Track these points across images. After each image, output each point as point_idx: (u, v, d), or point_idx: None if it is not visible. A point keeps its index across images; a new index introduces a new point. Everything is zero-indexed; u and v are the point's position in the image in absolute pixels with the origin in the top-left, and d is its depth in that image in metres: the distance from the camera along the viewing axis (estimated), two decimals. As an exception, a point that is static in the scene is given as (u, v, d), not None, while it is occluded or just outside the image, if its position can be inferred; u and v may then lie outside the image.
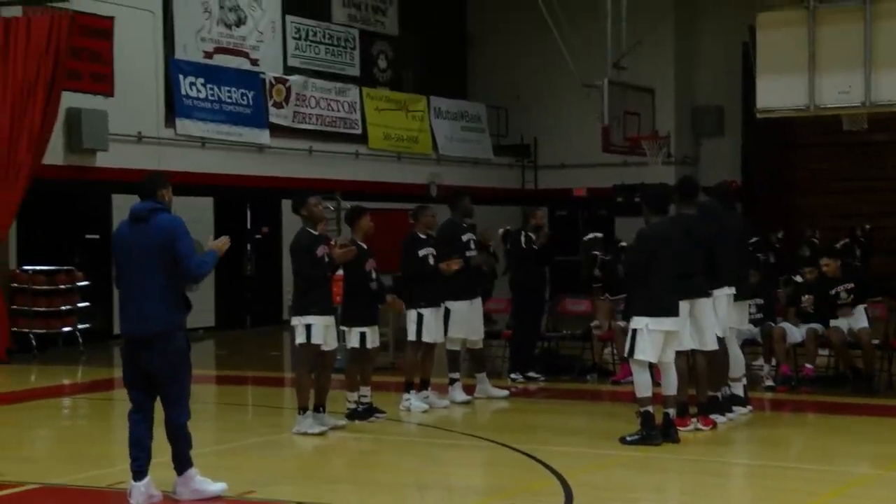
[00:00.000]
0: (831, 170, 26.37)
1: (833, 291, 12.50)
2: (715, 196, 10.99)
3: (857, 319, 12.30)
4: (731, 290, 10.27)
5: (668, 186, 10.51)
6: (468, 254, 11.81)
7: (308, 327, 9.86)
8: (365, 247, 10.67)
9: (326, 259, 10.01)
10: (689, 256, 9.70)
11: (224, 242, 7.51)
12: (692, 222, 10.02)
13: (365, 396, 10.80)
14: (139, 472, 7.37)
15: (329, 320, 10.01)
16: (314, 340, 9.89)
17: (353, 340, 10.58)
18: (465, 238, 11.91)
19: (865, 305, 12.40)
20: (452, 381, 11.81)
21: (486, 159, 27.71)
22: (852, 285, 12.47)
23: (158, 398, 7.41)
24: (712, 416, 10.18)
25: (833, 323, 12.35)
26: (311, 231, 10.06)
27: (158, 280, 7.24)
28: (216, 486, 7.50)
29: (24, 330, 17.06)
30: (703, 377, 10.08)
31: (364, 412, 10.67)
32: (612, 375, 13.44)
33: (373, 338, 10.61)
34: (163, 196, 7.48)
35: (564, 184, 28.16)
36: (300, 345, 9.96)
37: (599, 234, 15.37)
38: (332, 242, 10.24)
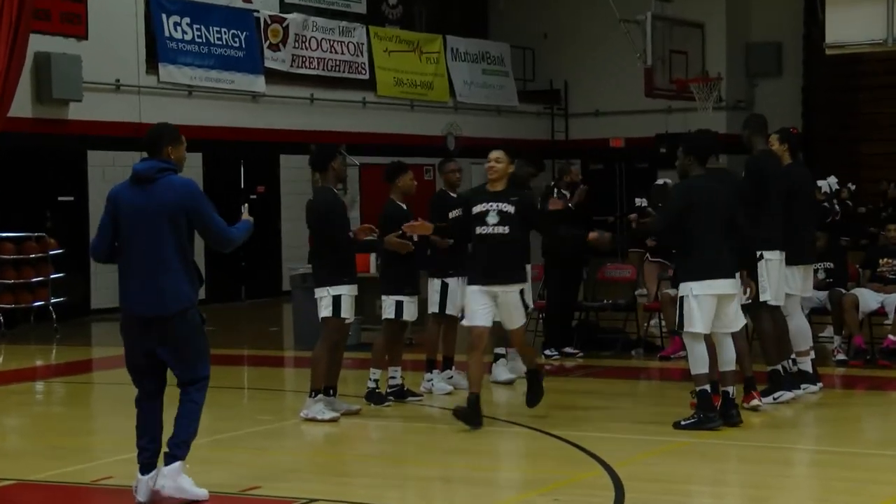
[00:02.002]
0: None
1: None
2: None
3: None
4: (779, 255, 10.15)
5: (713, 133, 10.32)
6: None
7: (337, 298, 9.80)
8: (404, 207, 10.61)
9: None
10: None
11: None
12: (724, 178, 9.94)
13: (394, 378, 10.76)
14: (148, 464, 7.29)
15: (355, 290, 9.99)
16: (343, 314, 9.84)
17: (388, 310, 10.52)
18: None
19: None
20: (497, 358, 11.73)
21: (511, 107, 27.55)
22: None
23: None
24: (775, 395, 10.14)
25: None
26: (335, 190, 10.02)
27: (171, 251, 7.14)
28: (199, 491, 7.35)
29: (-9, 305, 17.03)
30: (743, 351, 9.98)
31: (389, 395, 10.61)
32: (660, 350, 13.34)
33: (410, 309, 10.57)
34: (169, 154, 7.32)
35: (599, 134, 28.02)
36: (324, 318, 9.90)
37: (669, 181, 15.26)
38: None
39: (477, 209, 9.53)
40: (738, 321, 9.49)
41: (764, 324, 10.25)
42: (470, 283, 9.60)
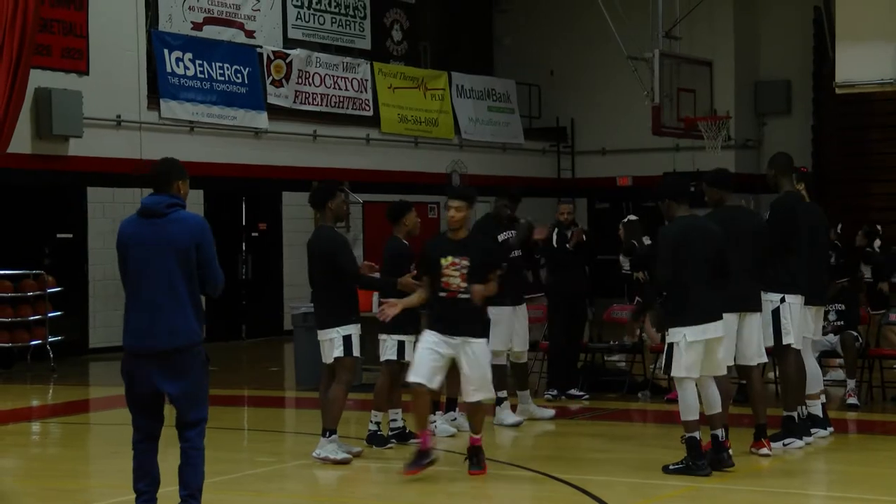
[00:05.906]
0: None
1: None
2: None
3: None
4: (801, 298, 10.13)
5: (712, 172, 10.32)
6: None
7: (348, 338, 9.85)
8: (408, 245, 10.64)
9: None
10: (732, 257, 9.56)
11: None
12: (738, 215, 9.93)
13: (395, 420, 10.74)
14: None
15: (360, 329, 10.08)
16: (356, 353, 9.95)
17: (388, 351, 10.49)
18: (502, 237, 11.85)
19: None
20: (499, 401, 11.68)
21: (517, 144, 27.58)
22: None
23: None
24: (786, 441, 10.08)
25: None
26: (334, 228, 10.07)
27: (181, 286, 7.18)
28: None
29: (-12, 343, 17.01)
30: (759, 395, 9.94)
31: (392, 438, 10.59)
32: (667, 393, 13.29)
33: (412, 349, 10.52)
34: (178, 189, 7.41)
35: (606, 172, 28.03)
36: (338, 359, 9.93)
37: (635, 217, 15.31)
38: None
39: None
40: (724, 365, 9.46)
41: (789, 368, 10.20)
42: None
